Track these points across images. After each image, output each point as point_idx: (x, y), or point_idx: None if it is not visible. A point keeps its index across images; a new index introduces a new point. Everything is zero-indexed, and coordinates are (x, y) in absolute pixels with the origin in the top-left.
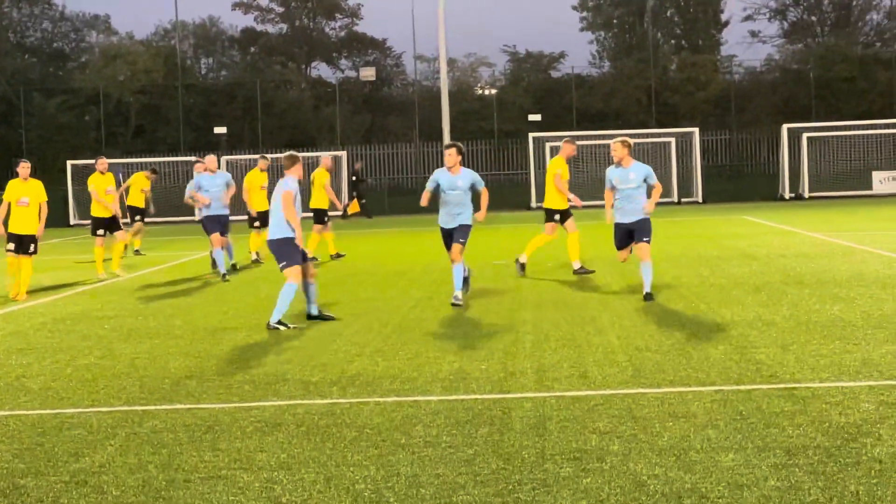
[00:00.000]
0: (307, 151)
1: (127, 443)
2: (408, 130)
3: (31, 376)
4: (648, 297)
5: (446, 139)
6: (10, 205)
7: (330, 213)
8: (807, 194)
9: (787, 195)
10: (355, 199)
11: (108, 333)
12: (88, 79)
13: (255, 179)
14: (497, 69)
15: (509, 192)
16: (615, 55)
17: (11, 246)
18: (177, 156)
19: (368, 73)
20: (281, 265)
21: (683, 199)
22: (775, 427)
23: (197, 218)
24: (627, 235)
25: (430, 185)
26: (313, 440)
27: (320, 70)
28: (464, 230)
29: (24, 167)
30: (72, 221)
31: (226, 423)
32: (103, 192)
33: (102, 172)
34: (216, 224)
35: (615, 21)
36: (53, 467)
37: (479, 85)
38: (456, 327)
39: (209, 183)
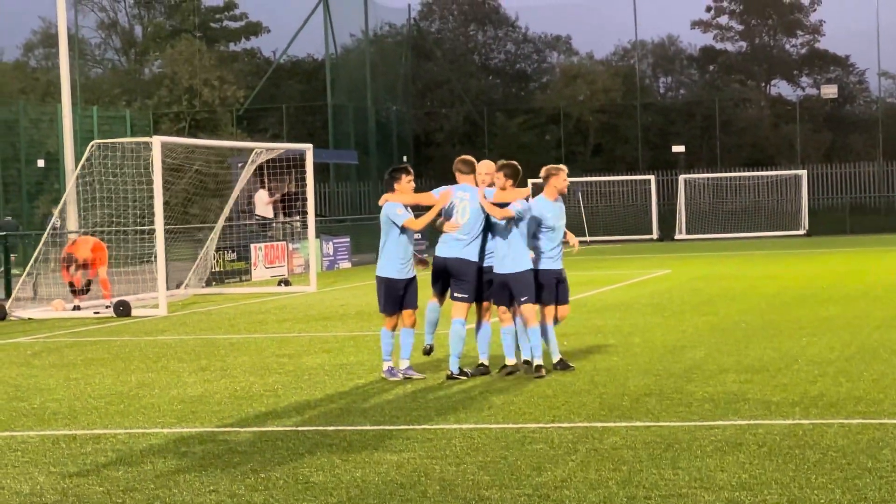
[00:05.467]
0: (766, 170)
1: (587, 458)
2: (871, 149)
3: (494, 391)
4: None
5: None
6: None
7: None
8: None
9: None
10: None
11: (567, 350)
12: (549, 98)
13: None
14: None
15: None
16: None
17: None
18: (635, 174)
19: (830, 91)
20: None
21: None
22: None
23: None
24: None
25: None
26: (775, 461)
27: (780, 88)
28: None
29: None
30: None
31: (685, 442)
32: None
33: None
34: None
35: None
36: (517, 480)
37: None
38: None
39: None
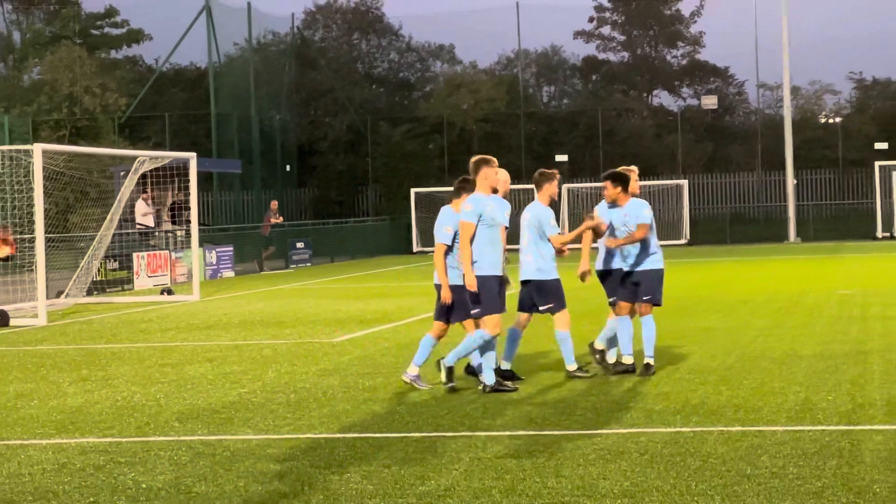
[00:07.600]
0: (648, 180)
1: (471, 467)
2: (750, 159)
3: (378, 400)
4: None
5: (789, 168)
6: None
7: None
8: None
9: None
10: None
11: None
12: (433, 107)
13: None
14: (842, 97)
15: (854, 221)
16: None
17: None
18: (518, 183)
19: (710, 102)
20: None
21: None
22: None
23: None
24: None
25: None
26: (657, 468)
27: (662, 98)
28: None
29: None
30: (415, 248)
31: (568, 450)
32: None
33: None
34: None
35: None
36: (400, 489)
37: (823, 113)
38: (801, 358)
39: None
